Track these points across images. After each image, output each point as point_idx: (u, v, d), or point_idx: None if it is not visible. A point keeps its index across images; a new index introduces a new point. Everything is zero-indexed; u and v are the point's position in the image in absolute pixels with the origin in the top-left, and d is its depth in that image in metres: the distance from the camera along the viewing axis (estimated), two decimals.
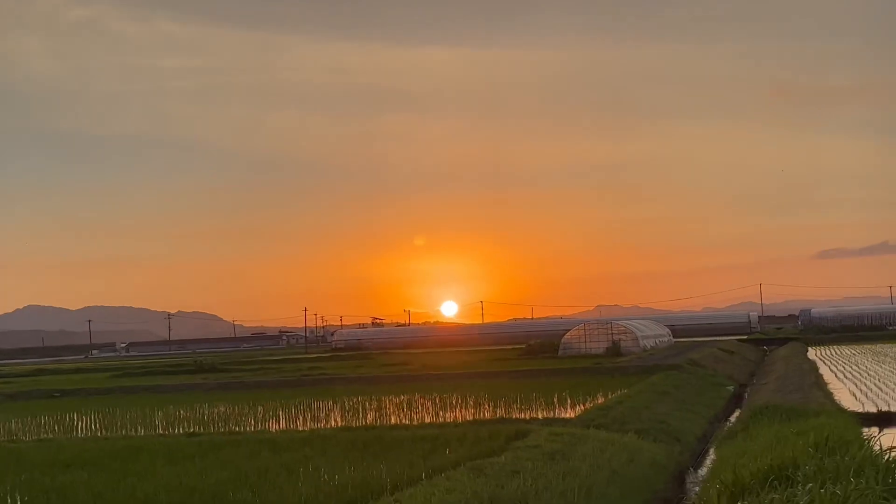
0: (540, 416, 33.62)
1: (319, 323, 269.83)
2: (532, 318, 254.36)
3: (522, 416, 34.46)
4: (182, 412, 42.57)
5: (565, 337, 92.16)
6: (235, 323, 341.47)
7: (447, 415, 36.64)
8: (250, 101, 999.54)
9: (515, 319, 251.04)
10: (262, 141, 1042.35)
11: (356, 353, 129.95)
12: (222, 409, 43.99)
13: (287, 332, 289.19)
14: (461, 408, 39.06)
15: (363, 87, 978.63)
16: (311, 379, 65.92)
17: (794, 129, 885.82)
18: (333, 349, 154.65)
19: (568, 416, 33.90)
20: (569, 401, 40.48)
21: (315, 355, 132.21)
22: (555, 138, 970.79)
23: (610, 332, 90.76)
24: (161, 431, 35.88)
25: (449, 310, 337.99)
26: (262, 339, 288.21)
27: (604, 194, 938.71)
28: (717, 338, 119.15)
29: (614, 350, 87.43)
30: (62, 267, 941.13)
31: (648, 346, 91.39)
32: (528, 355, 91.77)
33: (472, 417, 34.90)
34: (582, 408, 36.86)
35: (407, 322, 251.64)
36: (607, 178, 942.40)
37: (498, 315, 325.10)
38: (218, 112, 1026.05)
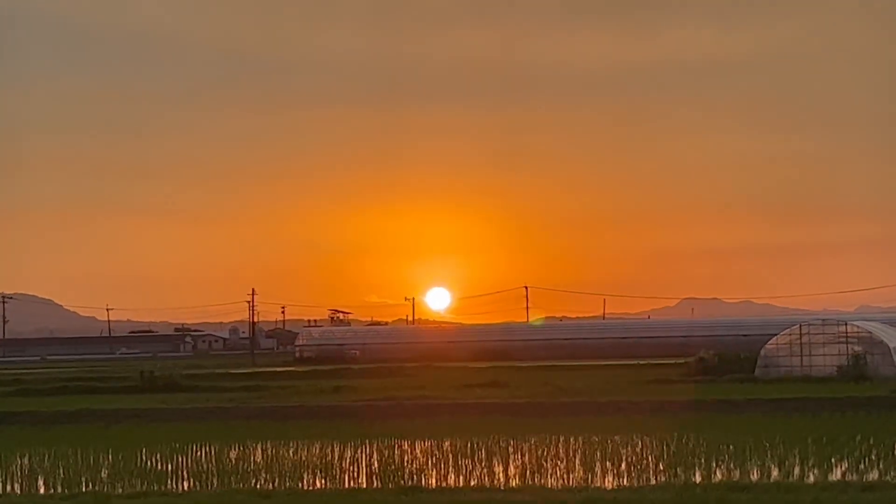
0: None
1: (255, 316, 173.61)
2: (605, 317, 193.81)
3: None
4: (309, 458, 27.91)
5: (768, 347, 60.32)
6: (93, 315, 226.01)
7: None
8: None
9: (564, 318, 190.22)
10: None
11: (340, 366, 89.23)
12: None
13: (189, 330, 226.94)
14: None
15: None
16: (391, 406, 44.28)
17: None
18: (298, 358, 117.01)
19: None
20: None
21: (278, 369, 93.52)
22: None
23: (843, 339, 59.10)
24: None
25: (436, 301, 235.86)
26: (145, 339, 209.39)
27: (700, 110, 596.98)
28: None
29: (856, 371, 56.40)
30: None
31: None
32: (700, 375, 60.95)
33: None
34: None
35: (410, 318, 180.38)
36: (715, 85, 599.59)
37: (542, 310, 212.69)
38: None
